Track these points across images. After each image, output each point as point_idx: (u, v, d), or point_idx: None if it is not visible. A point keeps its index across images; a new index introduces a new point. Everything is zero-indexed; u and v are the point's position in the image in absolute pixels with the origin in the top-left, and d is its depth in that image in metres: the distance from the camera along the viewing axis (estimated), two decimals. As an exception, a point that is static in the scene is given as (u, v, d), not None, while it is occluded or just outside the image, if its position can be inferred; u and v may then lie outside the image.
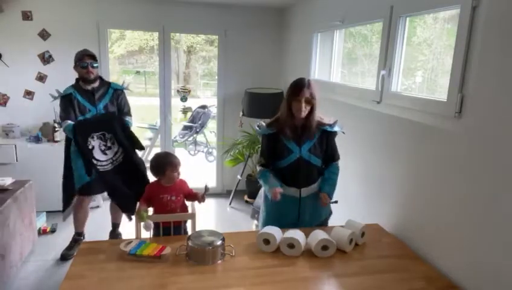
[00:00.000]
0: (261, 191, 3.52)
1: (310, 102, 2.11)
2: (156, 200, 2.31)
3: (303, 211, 2.29)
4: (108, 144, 2.85)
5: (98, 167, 2.80)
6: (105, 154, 2.84)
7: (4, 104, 4.10)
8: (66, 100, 2.96)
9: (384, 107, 2.48)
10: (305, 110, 2.11)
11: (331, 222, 2.45)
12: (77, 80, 3.04)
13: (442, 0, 1.98)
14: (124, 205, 2.97)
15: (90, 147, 2.77)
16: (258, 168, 2.33)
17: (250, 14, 4.52)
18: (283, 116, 2.19)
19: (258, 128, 2.30)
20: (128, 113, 3.17)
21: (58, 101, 3.01)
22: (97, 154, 2.80)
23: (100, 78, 3.13)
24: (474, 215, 1.73)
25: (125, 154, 2.94)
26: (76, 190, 3.05)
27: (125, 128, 2.99)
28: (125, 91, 3.21)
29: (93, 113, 2.98)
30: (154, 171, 2.34)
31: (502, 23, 1.58)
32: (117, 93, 3.12)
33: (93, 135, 2.80)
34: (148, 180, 2.79)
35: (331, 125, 2.24)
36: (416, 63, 2.64)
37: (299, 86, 2.11)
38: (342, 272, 1.86)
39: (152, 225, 2.16)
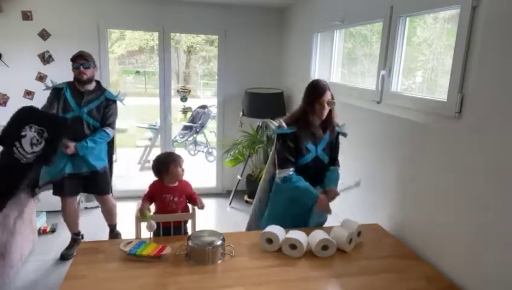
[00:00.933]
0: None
1: (331, 103, 2.18)
2: (158, 200, 2.30)
3: (313, 209, 2.30)
4: (40, 141, 2.68)
5: (15, 152, 2.64)
6: (32, 147, 2.67)
7: (4, 104, 4.10)
8: (55, 93, 2.99)
9: (384, 107, 2.48)
10: (326, 112, 2.19)
11: (330, 221, 2.45)
12: (74, 80, 3.04)
13: (442, 0, 1.98)
14: None
15: (22, 133, 2.65)
16: (284, 172, 2.19)
17: (250, 14, 4.52)
18: (306, 116, 2.20)
19: (275, 127, 2.26)
20: (111, 125, 3.09)
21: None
22: (25, 143, 2.65)
23: (97, 83, 3.11)
24: (474, 215, 1.73)
25: (37, 159, 2.69)
26: (40, 184, 3.04)
27: (57, 143, 2.77)
28: (118, 102, 3.15)
29: (76, 114, 2.96)
30: (157, 170, 2.32)
31: (502, 23, 1.58)
32: (107, 102, 3.06)
33: (33, 125, 2.67)
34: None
35: (340, 127, 2.32)
36: (416, 63, 2.64)
37: (322, 89, 2.17)
38: (342, 272, 1.86)
39: (155, 226, 2.15)
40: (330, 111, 2.22)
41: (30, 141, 2.66)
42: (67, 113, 2.96)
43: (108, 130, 3.07)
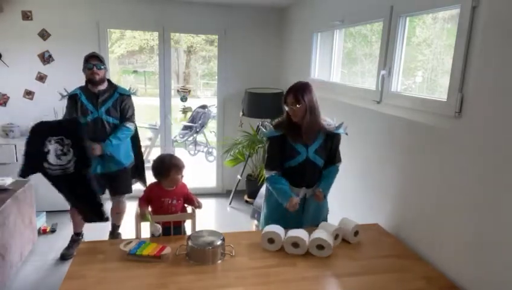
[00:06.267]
0: (262, 191, 3.53)
1: (295, 104, 2.12)
2: (156, 203, 2.28)
3: (306, 211, 2.31)
4: (65, 150, 2.71)
5: (48, 170, 2.68)
6: (60, 159, 2.69)
7: (4, 104, 4.10)
8: (72, 101, 3.02)
9: (384, 107, 2.48)
10: (297, 112, 2.13)
11: (330, 221, 2.45)
12: (86, 82, 3.06)
13: (442, 0, 1.98)
14: (86, 211, 2.88)
15: (46, 150, 2.66)
16: (268, 173, 2.27)
17: (250, 14, 4.52)
18: (288, 119, 2.22)
19: (264, 130, 2.30)
20: (130, 119, 3.13)
21: (60, 102, 3.07)
22: (51, 158, 2.68)
23: (108, 81, 3.14)
24: (474, 215, 1.73)
25: (77, 165, 2.72)
26: None
27: (84, 142, 2.78)
28: (132, 96, 3.20)
29: (94, 115, 2.99)
30: (157, 173, 2.31)
31: (502, 23, 1.58)
32: (122, 98, 3.10)
33: (50, 138, 2.69)
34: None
35: (336, 128, 2.25)
36: (416, 63, 2.64)
37: (288, 90, 2.18)
38: (342, 272, 1.86)
39: (160, 229, 2.15)
40: (309, 112, 2.13)
41: (55, 154, 2.68)
42: (87, 116, 2.99)
43: (129, 124, 3.10)
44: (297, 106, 2.12)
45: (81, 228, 3.29)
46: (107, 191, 3.25)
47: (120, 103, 3.09)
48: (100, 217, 2.83)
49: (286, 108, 2.18)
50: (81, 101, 2.99)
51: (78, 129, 2.78)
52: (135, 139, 3.33)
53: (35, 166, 2.68)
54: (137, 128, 3.35)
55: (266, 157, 2.33)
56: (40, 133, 2.70)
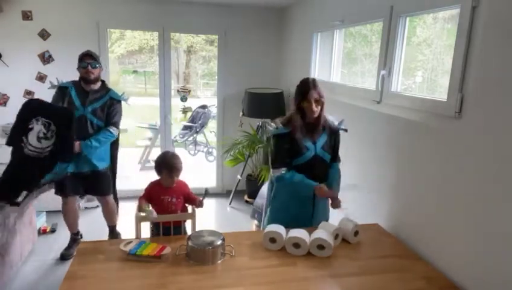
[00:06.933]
0: (262, 191, 3.53)
1: (319, 101, 2.17)
2: (156, 201, 2.29)
3: (317, 208, 2.31)
4: (48, 135, 2.69)
5: (23, 146, 2.65)
6: (40, 142, 2.67)
7: (4, 104, 4.10)
8: (60, 93, 3.00)
9: (384, 107, 2.48)
10: (316, 110, 2.17)
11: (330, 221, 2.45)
12: (80, 79, 3.05)
13: (442, 0, 1.98)
14: (13, 191, 2.65)
15: (30, 126, 2.65)
16: (277, 171, 2.24)
17: (250, 14, 4.52)
18: (294, 116, 2.22)
19: (272, 128, 2.29)
20: (115, 125, 3.08)
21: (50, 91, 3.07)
22: (32, 137, 2.65)
23: (103, 82, 3.12)
24: (474, 215, 1.73)
25: (53, 152, 2.71)
26: (42, 182, 2.99)
27: (70, 135, 2.79)
28: (123, 103, 3.15)
29: (80, 113, 2.96)
30: (155, 169, 2.34)
31: (502, 23, 1.58)
32: (112, 102, 3.07)
33: (39, 118, 2.67)
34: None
35: (339, 124, 2.31)
36: (416, 63, 2.64)
37: (307, 88, 2.17)
38: (342, 272, 1.86)
39: (155, 214, 2.16)
40: (321, 109, 2.20)
41: (37, 135, 2.65)
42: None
43: (113, 129, 3.06)
44: (322, 100, 2.17)
45: (77, 228, 3.29)
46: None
47: (109, 107, 3.05)
48: (9, 197, 2.65)
49: (305, 105, 2.16)
50: (71, 96, 2.97)
51: (69, 121, 2.74)
52: (114, 148, 3.26)
53: (17, 139, 2.66)
54: (119, 138, 3.29)
55: (272, 157, 2.30)
56: (31, 109, 2.69)
